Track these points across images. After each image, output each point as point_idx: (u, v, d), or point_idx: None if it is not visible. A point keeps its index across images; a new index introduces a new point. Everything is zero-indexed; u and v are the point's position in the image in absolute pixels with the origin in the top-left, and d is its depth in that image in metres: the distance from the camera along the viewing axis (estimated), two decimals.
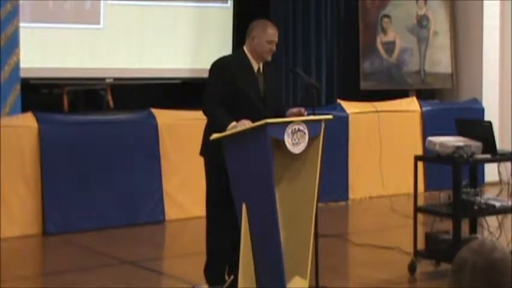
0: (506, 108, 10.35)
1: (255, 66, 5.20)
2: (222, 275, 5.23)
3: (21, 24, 7.87)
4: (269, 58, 5.23)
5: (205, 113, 5.12)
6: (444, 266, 5.83)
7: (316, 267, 5.13)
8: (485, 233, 6.08)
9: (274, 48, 5.21)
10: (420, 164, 7.15)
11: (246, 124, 4.81)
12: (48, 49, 8.60)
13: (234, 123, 4.83)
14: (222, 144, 4.81)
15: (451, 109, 9.57)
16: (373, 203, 9.00)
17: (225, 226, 5.14)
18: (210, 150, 5.10)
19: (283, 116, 5.07)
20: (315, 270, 5.11)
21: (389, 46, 10.21)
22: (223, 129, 4.83)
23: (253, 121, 4.82)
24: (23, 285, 5.89)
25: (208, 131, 5.14)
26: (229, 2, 9.58)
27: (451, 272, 2.17)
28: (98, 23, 8.85)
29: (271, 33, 5.17)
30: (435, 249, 5.84)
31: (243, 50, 5.23)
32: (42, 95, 8.73)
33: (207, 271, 5.26)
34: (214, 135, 4.81)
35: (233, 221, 4.96)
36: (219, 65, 5.20)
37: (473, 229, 6.13)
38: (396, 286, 5.76)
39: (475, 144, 5.78)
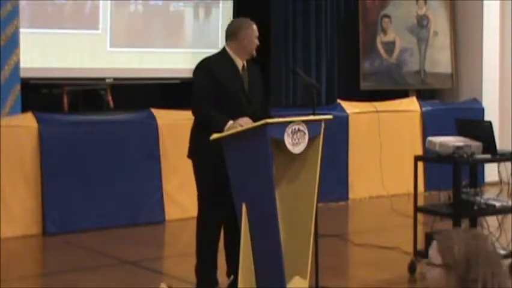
0: (506, 108, 10.35)
1: (239, 64, 5.23)
2: (213, 276, 5.27)
3: (22, 30, 7.86)
4: (254, 53, 5.30)
5: (197, 116, 5.14)
6: None
7: (316, 267, 5.13)
8: (485, 233, 6.07)
9: (258, 43, 5.32)
10: (420, 164, 7.14)
11: (244, 122, 4.83)
12: (48, 49, 8.59)
13: (231, 123, 4.85)
14: (222, 144, 4.81)
15: (451, 109, 9.58)
16: (373, 203, 9.00)
17: (216, 226, 5.17)
18: (199, 152, 5.13)
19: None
20: (315, 270, 5.11)
21: (389, 46, 10.21)
22: (221, 129, 4.83)
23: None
24: (23, 285, 5.88)
25: (196, 132, 5.17)
26: (229, 1, 9.58)
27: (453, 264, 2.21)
28: (98, 23, 8.85)
29: (255, 28, 5.28)
30: None
31: (225, 50, 5.26)
32: (42, 95, 8.72)
33: (197, 271, 5.32)
34: (214, 135, 4.82)
35: (226, 221, 5.01)
36: (203, 67, 5.22)
37: None
38: (396, 286, 5.76)
39: (475, 144, 5.78)
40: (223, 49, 5.29)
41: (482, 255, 2.39)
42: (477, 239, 2.44)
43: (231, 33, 5.27)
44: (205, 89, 5.09)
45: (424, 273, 2.39)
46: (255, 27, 5.28)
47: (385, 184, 9.14)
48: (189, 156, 5.28)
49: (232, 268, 5.17)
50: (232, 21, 5.52)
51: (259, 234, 4.72)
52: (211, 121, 5.00)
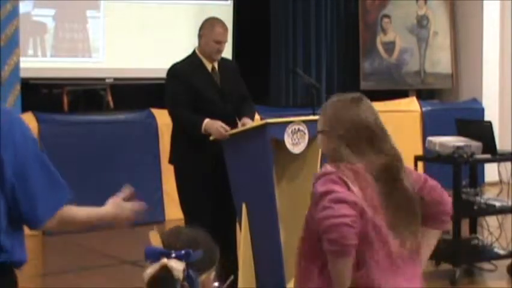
0: (506, 108, 10.35)
1: (209, 65, 5.13)
2: None
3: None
4: (218, 58, 5.13)
5: (174, 120, 5.10)
6: (444, 266, 5.83)
7: None
8: (485, 233, 6.07)
9: (222, 48, 5.11)
10: (420, 164, 7.14)
11: (219, 125, 4.80)
12: (48, 48, 8.60)
13: (207, 120, 4.82)
14: (222, 145, 4.81)
15: (451, 109, 9.57)
16: None
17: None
18: (181, 157, 5.09)
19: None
20: None
21: (389, 46, 10.21)
22: (198, 129, 4.81)
23: (216, 119, 4.84)
24: (23, 285, 5.86)
25: (177, 137, 5.12)
26: (229, 1, 9.57)
27: None
28: (98, 23, 8.86)
29: (218, 32, 5.08)
30: (435, 249, 5.81)
31: (195, 51, 5.17)
32: (42, 95, 8.73)
33: None
34: (214, 136, 4.82)
35: (214, 225, 4.97)
36: (173, 72, 5.14)
37: (473, 229, 6.13)
38: None
39: (475, 144, 5.78)
40: (193, 51, 5.19)
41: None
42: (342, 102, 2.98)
43: (198, 33, 5.18)
44: (177, 94, 5.03)
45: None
46: (218, 29, 5.07)
47: None
48: (171, 161, 5.22)
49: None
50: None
51: (259, 234, 4.73)
52: (186, 122, 4.97)
